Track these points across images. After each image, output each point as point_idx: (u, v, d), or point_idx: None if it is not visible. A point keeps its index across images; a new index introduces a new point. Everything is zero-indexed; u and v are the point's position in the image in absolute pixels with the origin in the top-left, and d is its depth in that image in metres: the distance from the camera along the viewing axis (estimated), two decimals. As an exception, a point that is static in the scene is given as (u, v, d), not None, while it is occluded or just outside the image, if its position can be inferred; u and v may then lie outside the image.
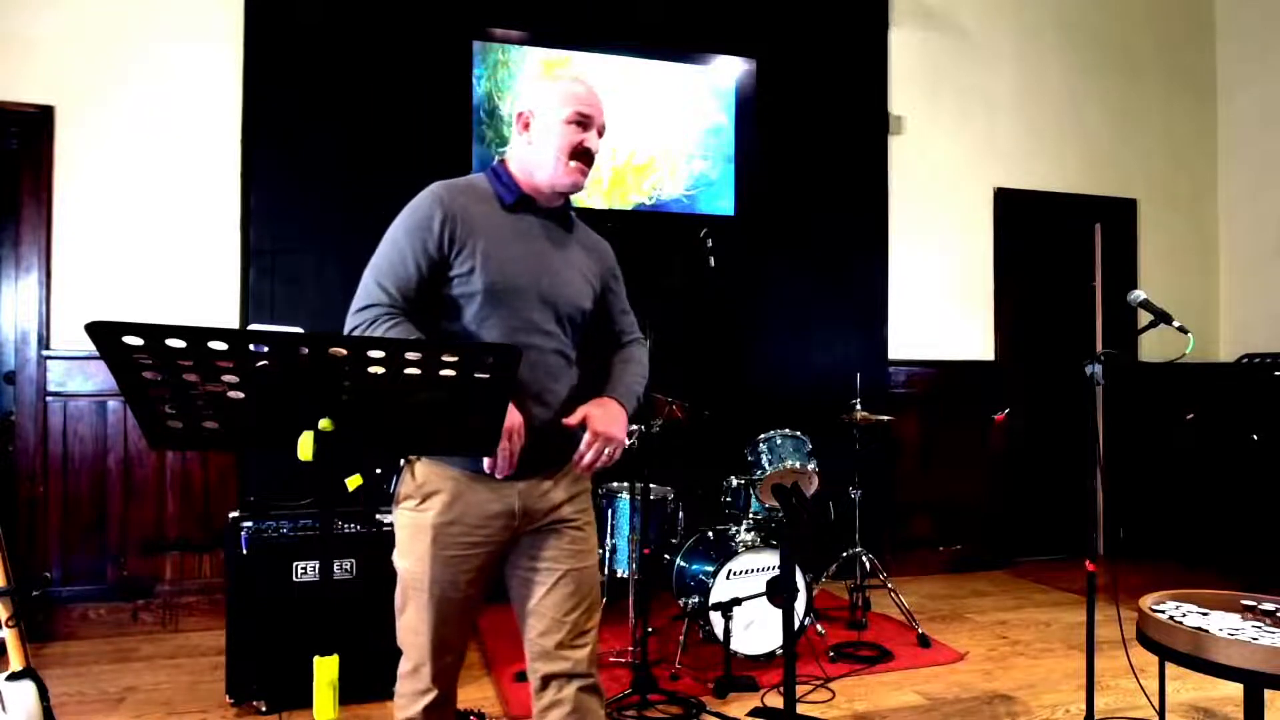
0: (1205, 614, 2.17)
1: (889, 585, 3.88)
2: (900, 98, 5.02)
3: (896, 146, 5.01)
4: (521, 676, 3.04)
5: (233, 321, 3.95)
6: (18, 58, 3.72)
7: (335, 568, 2.93)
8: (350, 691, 2.47)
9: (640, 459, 3.13)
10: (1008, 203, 5.21)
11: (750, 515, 3.59)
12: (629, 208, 4.50)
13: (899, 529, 4.93)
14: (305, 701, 2.73)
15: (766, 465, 3.50)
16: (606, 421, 1.70)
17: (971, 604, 4.37)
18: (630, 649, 3.20)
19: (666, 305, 3.77)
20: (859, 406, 3.83)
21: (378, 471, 1.86)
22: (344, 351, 1.20)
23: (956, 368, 5.09)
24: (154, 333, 1.12)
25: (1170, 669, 2.27)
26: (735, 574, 3.26)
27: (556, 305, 1.73)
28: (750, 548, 3.30)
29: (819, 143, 4.84)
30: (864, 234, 4.94)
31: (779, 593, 2.31)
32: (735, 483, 3.74)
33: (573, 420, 1.70)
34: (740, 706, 2.95)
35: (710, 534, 3.55)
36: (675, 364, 3.92)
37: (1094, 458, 3.05)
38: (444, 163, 4.08)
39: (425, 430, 1.38)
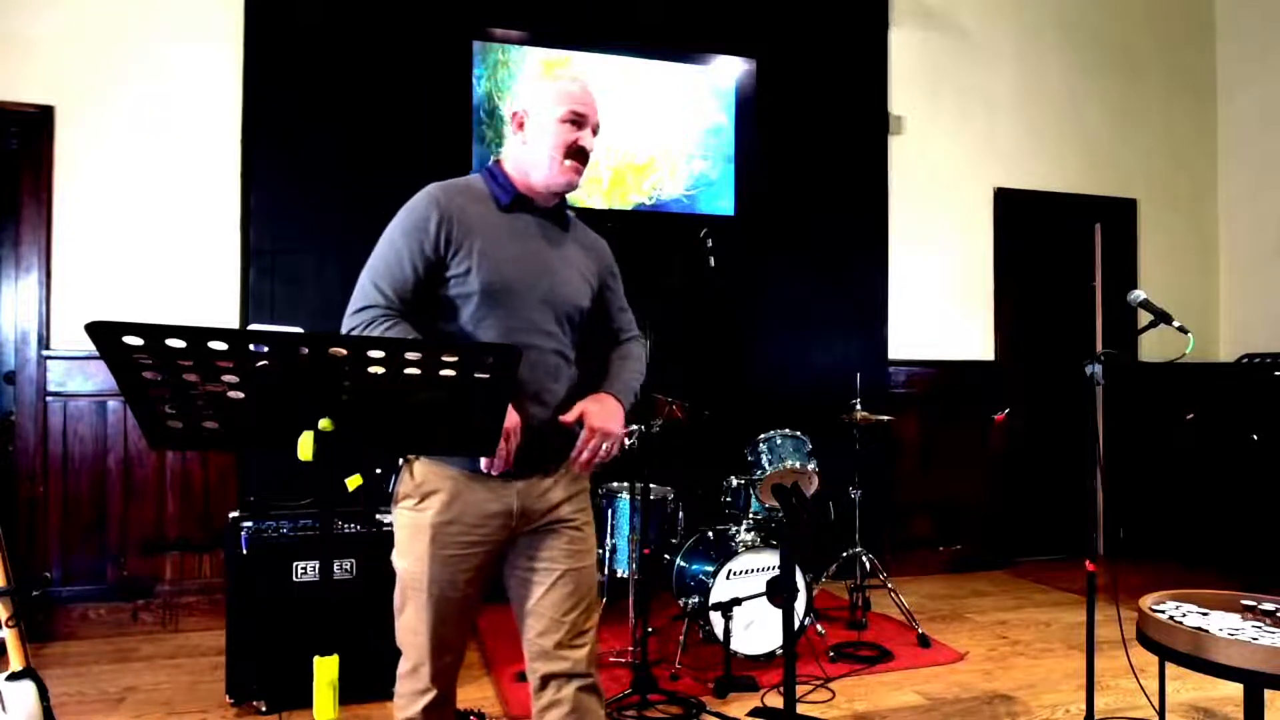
0: (1205, 614, 2.17)
1: (889, 585, 3.88)
2: (900, 98, 5.02)
3: (896, 146, 5.01)
4: (521, 676, 3.04)
5: (233, 321, 3.95)
6: (18, 58, 3.72)
7: (335, 568, 2.93)
8: (350, 691, 2.47)
9: (640, 459, 3.13)
10: (1008, 203, 5.21)
11: (750, 515, 3.59)
12: (629, 208, 4.50)
13: (899, 529, 4.93)
14: (305, 701, 2.73)
15: (766, 465, 3.50)
16: (604, 417, 1.70)
17: (971, 604, 4.37)
18: (630, 649, 3.20)
19: (666, 305, 3.77)
20: (859, 406, 3.83)
21: (378, 471, 1.87)
22: (344, 351, 1.20)
23: (956, 368, 5.09)
24: (154, 333, 1.12)
25: (1170, 669, 2.27)
26: (735, 574, 3.26)
27: (555, 304, 1.73)
28: (750, 548, 3.30)
29: (819, 143, 4.85)
30: (864, 234, 4.94)
31: (779, 593, 2.31)
32: (735, 483, 3.74)
33: (570, 417, 1.70)
34: (740, 706, 2.95)
35: (710, 534, 3.55)
36: (675, 364, 3.92)
37: (1094, 458, 3.05)
38: (444, 163, 4.08)
39: (425, 430, 1.38)
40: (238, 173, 3.98)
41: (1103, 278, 5.55)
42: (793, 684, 2.23)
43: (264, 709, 2.86)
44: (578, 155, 1.75)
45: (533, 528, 1.73)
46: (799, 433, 3.61)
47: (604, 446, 1.70)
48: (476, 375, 1.26)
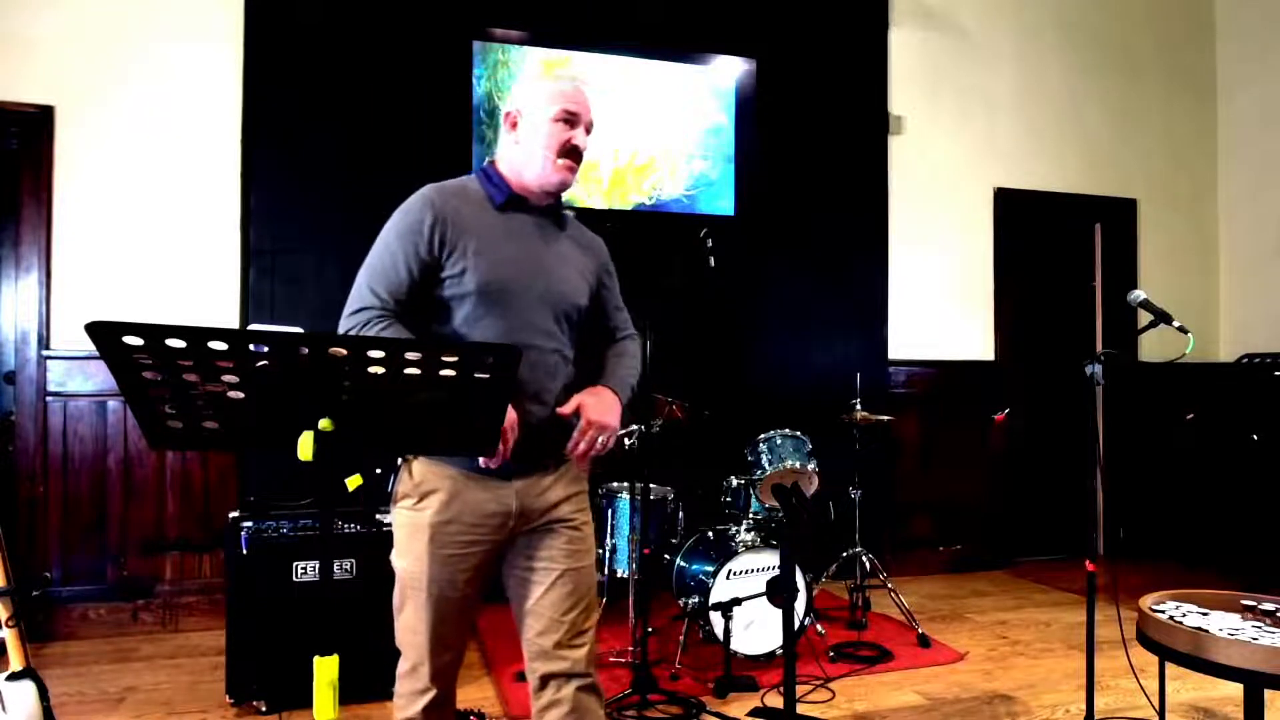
0: (1205, 614, 2.17)
1: (889, 585, 3.88)
2: (900, 98, 5.02)
3: (896, 146, 5.01)
4: (521, 676, 3.04)
5: (233, 321, 3.95)
6: (18, 58, 3.72)
7: (335, 568, 2.93)
8: (350, 691, 2.46)
9: (640, 459, 3.13)
10: (1008, 203, 5.21)
11: (750, 515, 3.59)
12: (629, 208, 4.50)
13: (899, 529, 4.93)
14: (305, 701, 2.73)
15: (766, 465, 3.50)
16: (600, 410, 1.70)
17: (971, 604, 4.38)
18: (630, 649, 3.20)
19: (666, 305, 3.77)
20: (859, 406, 3.83)
21: (378, 471, 1.87)
22: (344, 351, 1.20)
23: (956, 368, 5.09)
24: (154, 333, 1.12)
25: (1170, 669, 2.27)
26: (735, 574, 3.26)
27: (552, 303, 1.74)
28: (750, 548, 3.30)
29: (819, 143, 4.85)
30: (864, 234, 4.94)
31: (779, 593, 2.31)
32: (735, 483, 3.74)
33: (567, 409, 1.70)
34: (740, 706, 2.95)
35: (710, 534, 3.55)
36: (675, 364, 3.93)
37: (1094, 458, 3.05)
38: (444, 163, 4.08)
39: (425, 430, 1.38)
40: (238, 173, 3.98)
41: (1103, 278, 5.55)
42: (793, 684, 2.23)
43: (264, 709, 2.86)
44: (571, 154, 1.75)
45: (531, 527, 1.73)
46: (799, 433, 3.61)
47: (600, 439, 1.70)
48: (476, 375, 1.26)
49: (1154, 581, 4.44)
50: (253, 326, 1.28)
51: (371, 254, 1.69)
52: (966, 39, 5.16)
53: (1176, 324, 2.53)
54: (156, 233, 3.88)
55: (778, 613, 3.21)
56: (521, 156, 1.76)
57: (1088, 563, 2.60)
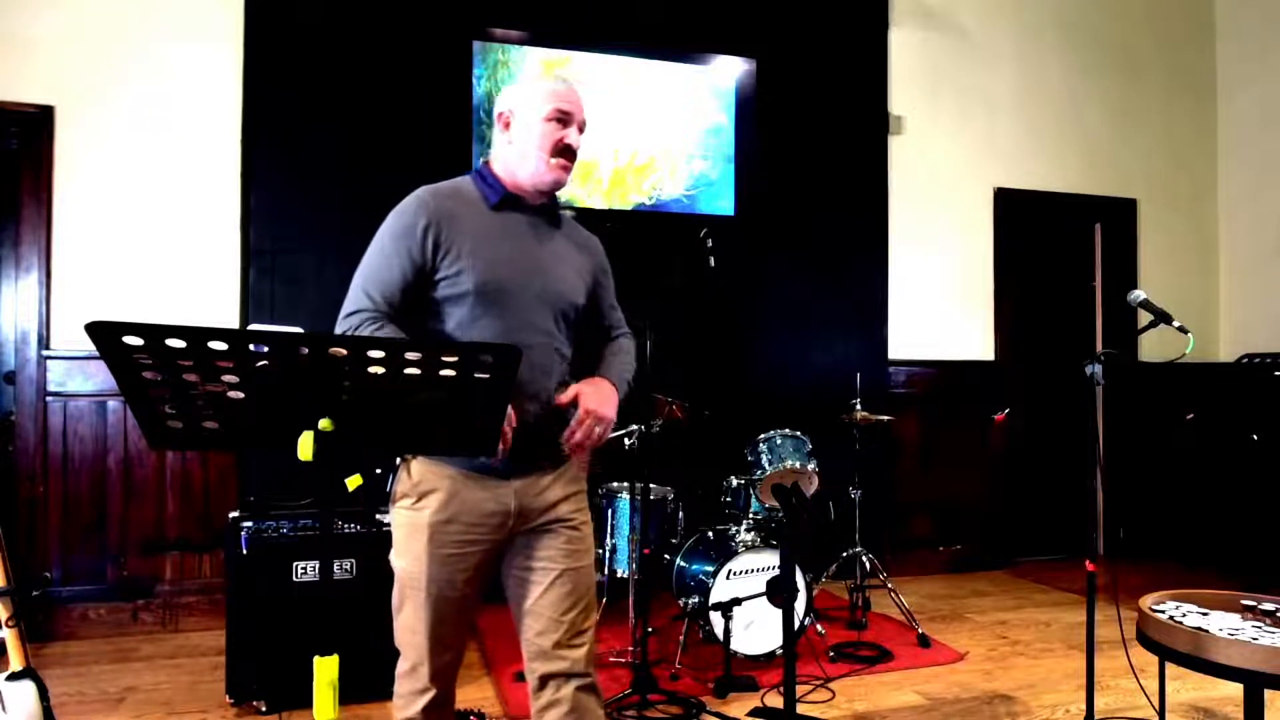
0: (1205, 614, 2.17)
1: (889, 585, 3.88)
2: (900, 98, 5.02)
3: (896, 146, 5.01)
4: (521, 677, 3.04)
5: (233, 321, 3.95)
6: (18, 58, 3.72)
7: (335, 568, 2.93)
8: (350, 691, 2.46)
9: (640, 459, 3.13)
10: (1008, 203, 5.21)
11: (750, 515, 3.59)
12: (629, 208, 4.50)
13: (899, 529, 4.93)
14: (305, 701, 2.73)
15: (766, 465, 3.50)
16: (598, 400, 1.70)
17: (971, 604, 4.38)
18: (630, 649, 3.20)
19: (666, 305, 3.78)
20: (859, 406, 3.83)
21: (377, 471, 1.87)
22: (344, 351, 1.20)
23: (956, 368, 5.09)
24: (154, 333, 1.12)
25: (1170, 669, 2.27)
26: (735, 574, 3.26)
27: (550, 302, 1.74)
28: (750, 548, 3.30)
29: (819, 143, 4.85)
30: (864, 234, 4.94)
31: (779, 593, 2.31)
32: (735, 483, 3.74)
33: (565, 397, 1.71)
34: (740, 706, 2.95)
35: (710, 534, 3.55)
36: (675, 364, 3.92)
37: (1094, 458, 3.05)
38: (444, 163, 4.08)
39: (425, 430, 1.38)
40: (238, 173, 3.98)
41: (1103, 278, 5.55)
42: (793, 684, 2.23)
43: (264, 709, 2.86)
44: (564, 153, 1.76)
45: (530, 527, 1.73)
46: (799, 433, 3.61)
47: (596, 430, 1.69)
48: (476, 375, 1.26)
49: (1154, 581, 4.44)
50: (253, 326, 1.28)
51: (366, 256, 1.70)
52: (966, 39, 5.16)
53: (1176, 324, 2.53)
54: (156, 233, 3.88)
55: (778, 613, 3.21)
56: (515, 156, 1.76)
57: (1088, 563, 2.60)
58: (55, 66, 3.75)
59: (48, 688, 1.97)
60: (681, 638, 3.35)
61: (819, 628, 3.69)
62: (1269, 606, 2.11)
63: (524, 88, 1.79)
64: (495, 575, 1.78)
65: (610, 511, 3.59)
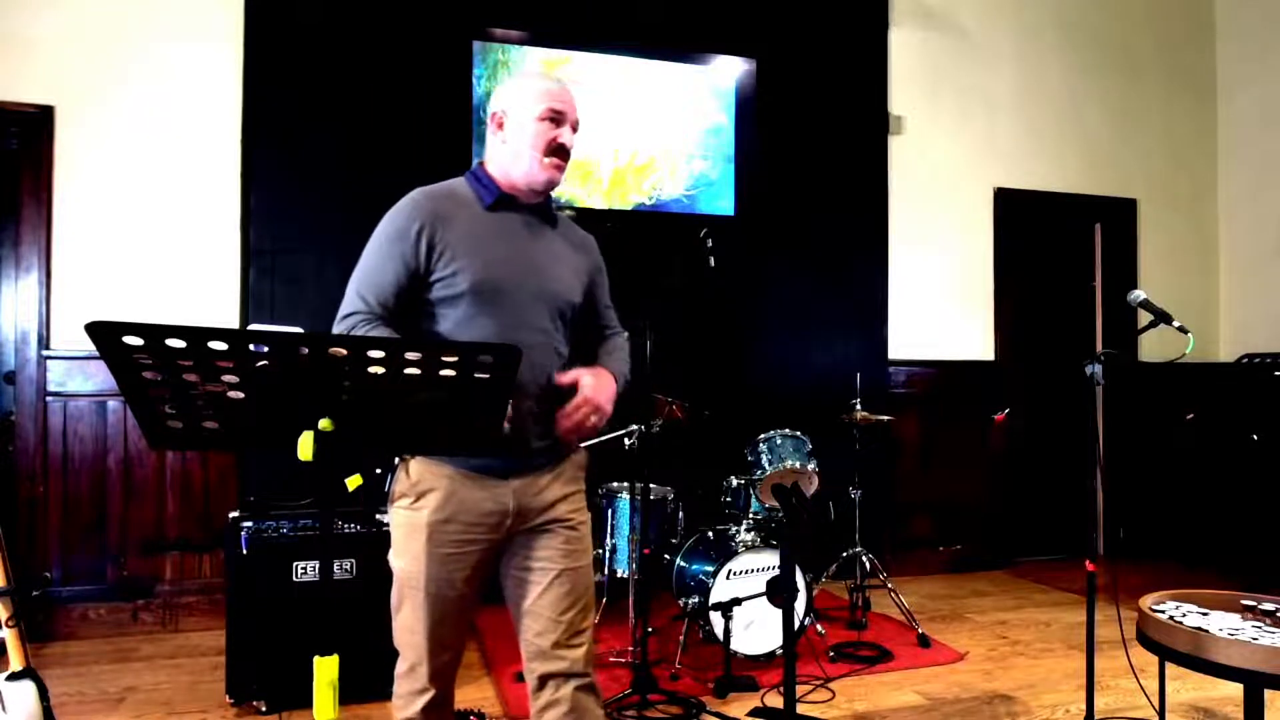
0: (1205, 614, 2.17)
1: (889, 585, 3.88)
2: (900, 98, 5.02)
3: (896, 146, 5.01)
4: (521, 677, 3.02)
5: (233, 321, 3.95)
6: (18, 58, 3.72)
7: (335, 568, 2.93)
8: (350, 691, 2.47)
9: (640, 459, 3.13)
10: (1008, 203, 5.21)
11: (750, 515, 3.59)
12: (629, 208, 4.50)
13: (899, 529, 4.93)
14: (305, 701, 2.73)
15: (766, 465, 3.50)
16: (598, 389, 1.70)
17: (971, 604, 4.38)
18: (630, 649, 3.20)
19: (666, 305, 3.78)
20: (859, 406, 3.83)
21: (377, 471, 1.87)
22: (344, 351, 1.20)
23: (956, 368, 5.09)
24: (154, 333, 1.12)
25: (1170, 669, 2.27)
26: (735, 574, 3.26)
27: (547, 301, 1.74)
28: (750, 548, 3.30)
29: (819, 143, 4.84)
30: (864, 234, 4.94)
31: (779, 593, 2.31)
32: (735, 483, 3.74)
33: (566, 379, 1.71)
34: (740, 706, 2.95)
35: (710, 534, 3.55)
36: (675, 364, 3.92)
37: (1094, 458, 3.05)
38: (444, 163, 4.07)
39: (425, 430, 1.38)
40: (238, 173, 3.98)
41: (1103, 278, 5.55)
42: (793, 684, 2.23)
43: (264, 709, 2.86)
44: (558, 152, 1.76)
45: (529, 527, 1.73)
46: (799, 433, 3.61)
47: (591, 419, 1.69)
48: (476, 375, 1.26)
49: (1154, 581, 4.44)
50: (253, 326, 1.28)
51: (361, 259, 1.71)
52: (966, 39, 5.16)
53: (1176, 324, 2.53)
54: (156, 233, 3.88)
55: (778, 613, 3.21)
56: (509, 156, 1.76)
57: (1088, 563, 2.60)
58: (55, 66, 3.75)
59: (48, 688, 1.97)
60: (681, 638, 3.35)
61: (819, 628, 3.69)
62: (1269, 606, 2.11)
63: (516, 88, 1.79)
64: (494, 575, 1.78)
65: (610, 511, 3.59)
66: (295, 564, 2.89)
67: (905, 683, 3.24)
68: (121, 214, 3.84)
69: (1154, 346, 5.14)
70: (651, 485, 3.55)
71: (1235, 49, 5.58)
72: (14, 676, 1.91)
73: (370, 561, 2.92)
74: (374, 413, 1.29)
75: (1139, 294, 2.66)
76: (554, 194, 1.85)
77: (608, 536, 3.60)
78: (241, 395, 1.23)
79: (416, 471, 1.69)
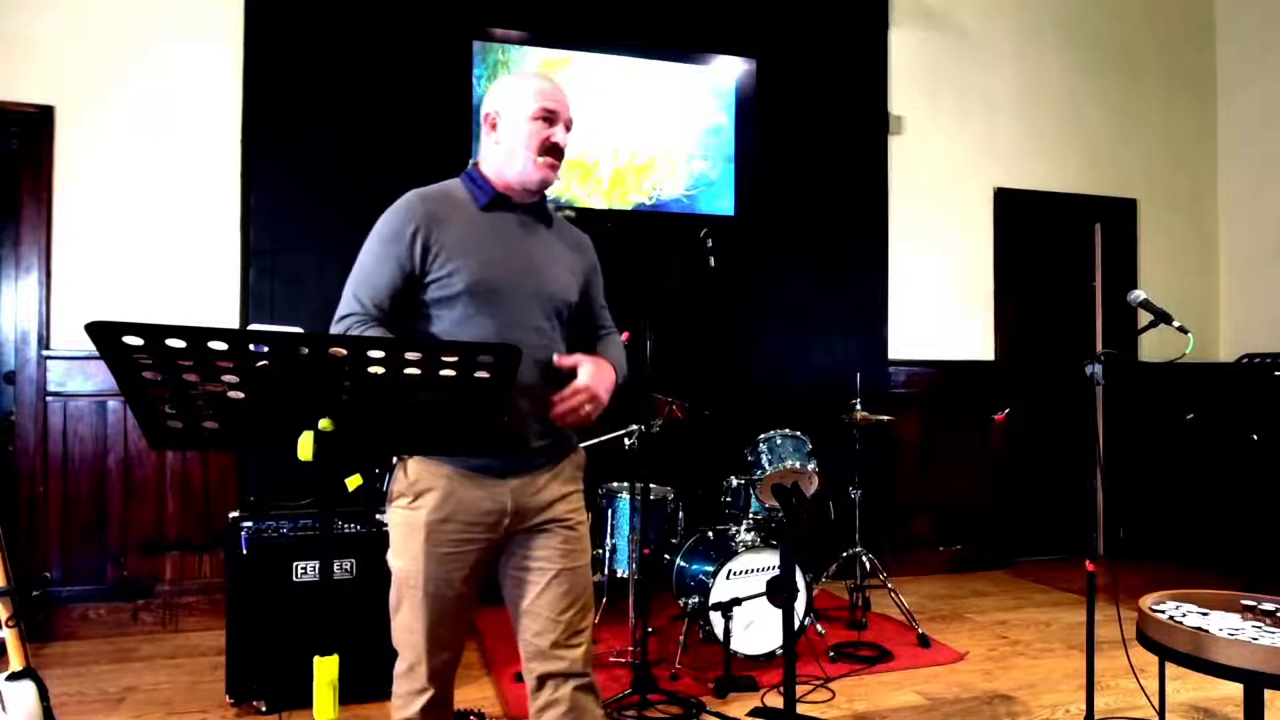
0: (1205, 614, 2.17)
1: (889, 585, 3.88)
2: (900, 98, 5.02)
3: (896, 146, 5.01)
4: (521, 677, 3.04)
5: (233, 321, 3.95)
6: (18, 58, 3.72)
7: (335, 568, 2.93)
8: (350, 691, 2.47)
9: (640, 459, 3.13)
10: (1008, 203, 5.21)
11: (750, 515, 3.59)
12: (629, 208, 4.50)
13: (899, 529, 4.93)
14: (305, 701, 2.73)
15: (766, 465, 3.50)
16: (598, 378, 1.70)
17: (971, 604, 4.38)
18: (630, 649, 3.20)
19: (666, 305, 3.77)
20: (859, 406, 3.83)
21: (376, 471, 1.87)
22: (344, 351, 1.20)
23: (956, 368, 5.09)
24: (154, 333, 1.12)
25: (1170, 669, 2.27)
26: (735, 574, 3.26)
27: (543, 300, 1.74)
28: (750, 548, 3.30)
29: (819, 143, 4.84)
30: (864, 234, 4.94)
31: (779, 593, 2.31)
32: (735, 483, 3.74)
33: (567, 362, 1.70)
34: (740, 706, 2.95)
35: (710, 534, 3.55)
36: (675, 364, 3.92)
37: (1094, 458, 3.05)
38: (444, 163, 4.06)
39: (425, 430, 1.38)
40: (238, 173, 3.98)
41: (1103, 278, 5.55)
42: (793, 684, 2.23)
43: (264, 709, 2.86)
44: (552, 151, 1.76)
45: (527, 526, 1.73)
46: (799, 433, 3.61)
47: (586, 407, 1.68)
48: (476, 375, 1.26)
49: (1154, 581, 4.44)
50: (253, 326, 1.28)
51: (357, 261, 1.71)
52: (966, 39, 5.16)
53: (1176, 324, 2.53)
54: (156, 233, 3.88)
55: (778, 613, 3.21)
56: (503, 156, 1.76)
57: (1088, 563, 2.60)
58: (55, 66, 3.75)
59: (48, 688, 1.97)
60: (681, 638, 3.35)
61: (819, 628, 3.69)
62: (1269, 606, 2.11)
63: (509, 88, 1.79)
64: (492, 575, 1.78)
65: (610, 511, 3.60)
66: (295, 564, 2.89)
67: (905, 683, 3.24)
68: (121, 214, 3.84)
69: (1154, 346, 5.14)
70: (651, 485, 3.55)
71: (1235, 49, 5.58)
72: (14, 676, 1.91)
73: (370, 561, 2.92)
74: (374, 413, 1.29)
75: (1139, 294, 2.66)
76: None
77: (608, 536, 3.60)
78: (241, 395, 1.23)
79: (414, 471, 1.69)
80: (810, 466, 3.51)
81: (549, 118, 1.76)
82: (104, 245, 3.81)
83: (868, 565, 3.87)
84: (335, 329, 1.65)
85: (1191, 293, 5.55)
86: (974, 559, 5.06)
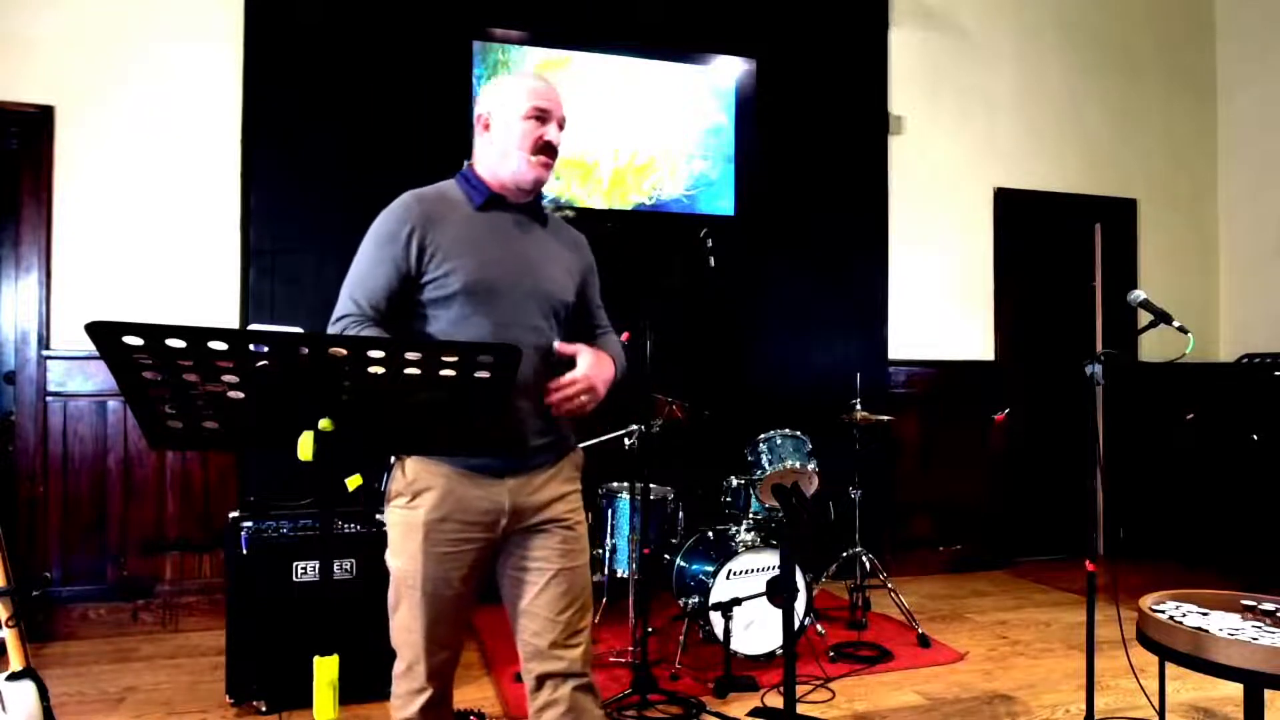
0: (1205, 614, 2.17)
1: (889, 585, 3.88)
2: (900, 98, 5.02)
3: (896, 146, 5.01)
4: (521, 677, 3.04)
5: (233, 321, 3.95)
6: (18, 58, 3.72)
7: (335, 568, 2.93)
8: (350, 691, 2.47)
9: (640, 459, 3.13)
10: (1008, 203, 5.21)
11: (750, 515, 3.59)
12: (629, 208, 4.50)
13: (899, 529, 4.93)
14: (305, 701, 2.73)
15: (766, 465, 3.50)
16: (598, 369, 1.70)
17: (971, 604, 4.37)
18: (630, 649, 3.20)
19: (666, 305, 3.77)
20: (859, 406, 3.83)
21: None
22: (344, 351, 1.20)
23: (956, 368, 5.09)
24: (154, 333, 1.12)
25: (1170, 669, 2.27)
26: (735, 574, 3.26)
27: (540, 299, 1.74)
28: (750, 548, 3.30)
29: (819, 143, 4.84)
30: (864, 234, 4.94)
31: (779, 593, 2.31)
32: (735, 483, 3.74)
33: (567, 350, 1.71)
34: (740, 706, 2.95)
35: (710, 534, 3.55)
36: (675, 364, 3.92)
37: (1094, 458, 3.05)
38: (444, 163, 4.02)
39: (425, 430, 1.38)
40: (238, 173, 3.98)
41: (1103, 278, 5.55)
42: (793, 684, 2.23)
43: (264, 709, 2.86)
44: (545, 150, 1.76)
45: (525, 526, 1.73)
46: (799, 433, 3.61)
47: (583, 398, 1.68)
48: (476, 375, 1.26)
49: (1154, 581, 4.44)
50: (253, 326, 1.28)
51: (354, 262, 1.73)
52: (966, 39, 5.16)
53: (1176, 324, 2.53)
54: (156, 233, 3.88)
55: (778, 613, 3.21)
56: (496, 156, 1.77)
57: (1088, 563, 2.60)
58: (55, 66, 3.75)
59: (48, 688, 1.97)
60: (681, 638, 3.34)
61: (819, 628, 3.69)
62: (1269, 606, 2.10)
63: (501, 88, 1.80)
64: (490, 574, 1.78)
65: (610, 511, 3.60)
66: (295, 564, 2.89)
67: (905, 683, 3.24)
68: (121, 214, 3.84)
69: (1154, 346, 5.14)
70: (651, 485, 3.55)
71: (1235, 49, 5.58)
72: (14, 676, 1.91)
73: (370, 561, 2.92)
74: (374, 413, 1.30)
75: (1139, 294, 2.66)
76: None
77: (608, 536, 3.60)
78: (241, 395, 1.23)
79: (412, 470, 1.69)
80: (810, 466, 3.51)
81: (541, 116, 1.76)
82: (104, 245, 3.81)
83: (868, 565, 3.87)
84: (332, 330, 1.65)
85: (1191, 293, 5.55)
86: (974, 559, 5.06)
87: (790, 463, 3.47)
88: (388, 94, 4.13)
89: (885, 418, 3.92)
